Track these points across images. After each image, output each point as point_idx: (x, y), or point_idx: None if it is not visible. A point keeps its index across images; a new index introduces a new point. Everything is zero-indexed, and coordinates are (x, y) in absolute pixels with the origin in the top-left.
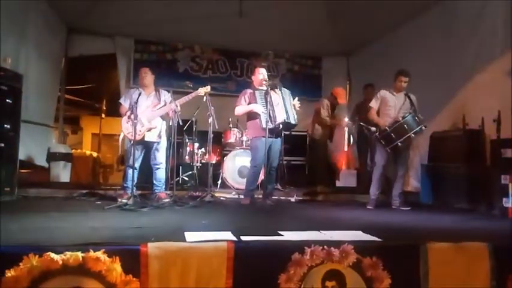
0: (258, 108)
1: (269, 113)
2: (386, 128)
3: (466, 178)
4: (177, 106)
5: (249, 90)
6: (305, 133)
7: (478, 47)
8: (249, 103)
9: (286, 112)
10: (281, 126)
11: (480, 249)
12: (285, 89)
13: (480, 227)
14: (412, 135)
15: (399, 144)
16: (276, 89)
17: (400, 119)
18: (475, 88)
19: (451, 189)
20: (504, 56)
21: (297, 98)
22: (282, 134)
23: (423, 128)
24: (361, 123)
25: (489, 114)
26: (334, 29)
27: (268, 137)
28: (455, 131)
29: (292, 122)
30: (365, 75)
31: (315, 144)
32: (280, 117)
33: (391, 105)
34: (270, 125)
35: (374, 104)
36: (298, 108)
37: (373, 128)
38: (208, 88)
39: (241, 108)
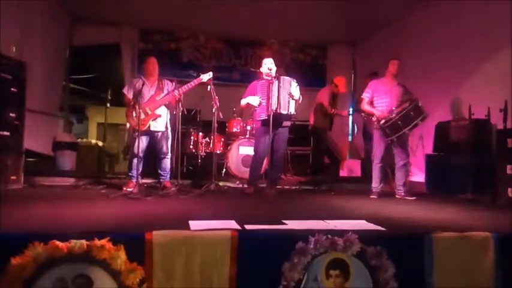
0: (253, 100)
1: (266, 103)
2: (392, 116)
3: (471, 168)
4: (180, 95)
5: (254, 82)
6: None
7: (484, 37)
8: (254, 95)
9: (278, 103)
10: (271, 117)
11: (485, 239)
12: (286, 78)
13: (485, 217)
14: (420, 122)
15: (406, 132)
16: (276, 79)
17: (406, 106)
18: (481, 78)
19: (456, 179)
20: (511, 46)
21: (298, 88)
22: (287, 124)
23: (426, 115)
24: (362, 114)
25: (495, 104)
26: (339, 18)
27: (266, 128)
28: (461, 121)
29: (283, 112)
30: (370, 64)
31: (315, 133)
32: (272, 108)
33: (385, 94)
34: (264, 116)
35: (366, 95)
36: (294, 98)
37: (374, 118)
38: (210, 74)
39: (242, 101)
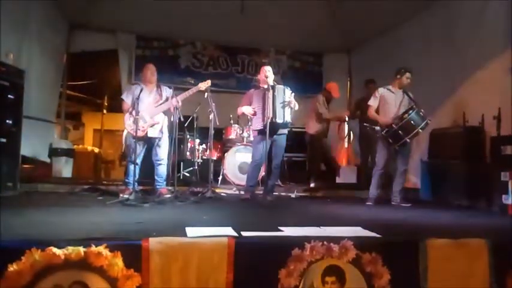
0: (247, 110)
1: (262, 112)
2: (393, 125)
3: (465, 175)
4: (178, 102)
5: (251, 91)
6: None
7: (478, 44)
8: (250, 103)
9: (274, 112)
10: (267, 126)
11: (479, 245)
12: (280, 86)
13: (479, 224)
14: (420, 130)
15: (408, 140)
16: (271, 88)
17: (406, 115)
18: (475, 85)
19: (450, 186)
20: (505, 53)
21: (293, 95)
22: (285, 131)
23: (428, 122)
24: (365, 124)
25: (489, 111)
26: (335, 26)
27: (263, 136)
28: (455, 128)
29: (279, 121)
30: (366, 71)
31: (312, 140)
32: (268, 117)
33: (390, 102)
34: (260, 126)
35: (373, 102)
36: (292, 106)
37: (378, 128)
38: (208, 82)
39: (238, 110)
